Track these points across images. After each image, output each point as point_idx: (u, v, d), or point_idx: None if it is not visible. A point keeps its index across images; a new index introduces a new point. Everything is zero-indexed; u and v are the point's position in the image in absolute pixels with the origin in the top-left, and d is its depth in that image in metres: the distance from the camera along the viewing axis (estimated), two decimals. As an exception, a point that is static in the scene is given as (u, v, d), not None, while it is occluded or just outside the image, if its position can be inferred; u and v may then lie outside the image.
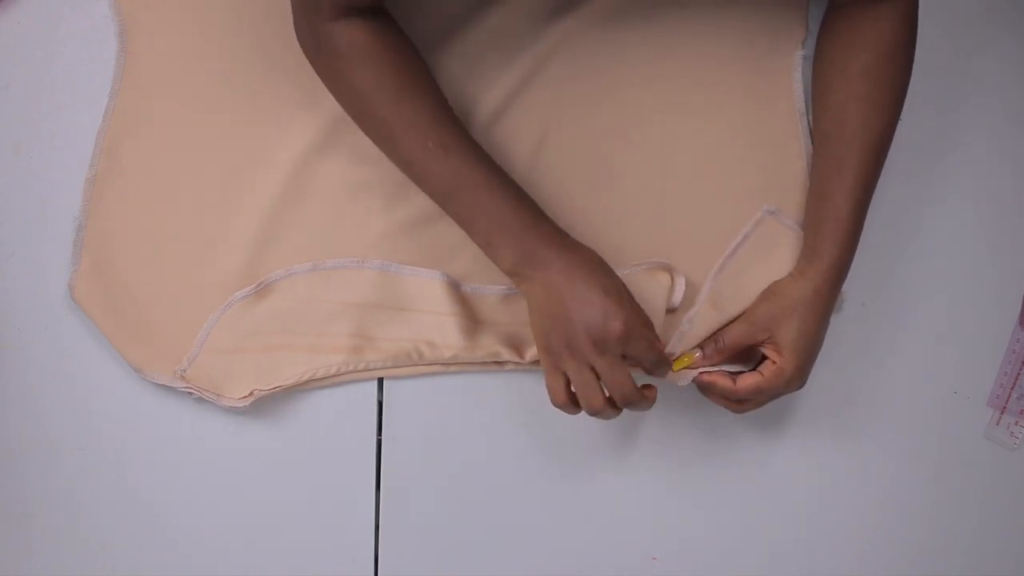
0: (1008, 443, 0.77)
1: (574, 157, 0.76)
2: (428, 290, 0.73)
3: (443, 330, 0.72)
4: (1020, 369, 0.77)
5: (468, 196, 0.66)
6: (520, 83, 0.75)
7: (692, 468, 0.75)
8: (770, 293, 0.70)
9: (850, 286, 0.77)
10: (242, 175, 0.74)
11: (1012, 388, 0.77)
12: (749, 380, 0.67)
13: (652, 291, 0.73)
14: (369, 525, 0.74)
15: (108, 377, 0.73)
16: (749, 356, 0.71)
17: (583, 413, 0.66)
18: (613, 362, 0.63)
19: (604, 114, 0.76)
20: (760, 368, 0.68)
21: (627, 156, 0.76)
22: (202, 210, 0.74)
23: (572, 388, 0.66)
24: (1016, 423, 0.77)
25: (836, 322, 0.70)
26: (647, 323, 0.66)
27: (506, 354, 0.73)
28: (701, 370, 0.69)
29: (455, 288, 0.74)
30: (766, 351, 0.69)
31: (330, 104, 0.70)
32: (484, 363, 0.74)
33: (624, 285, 0.66)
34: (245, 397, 0.71)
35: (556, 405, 0.66)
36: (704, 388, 0.70)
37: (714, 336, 0.70)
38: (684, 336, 0.70)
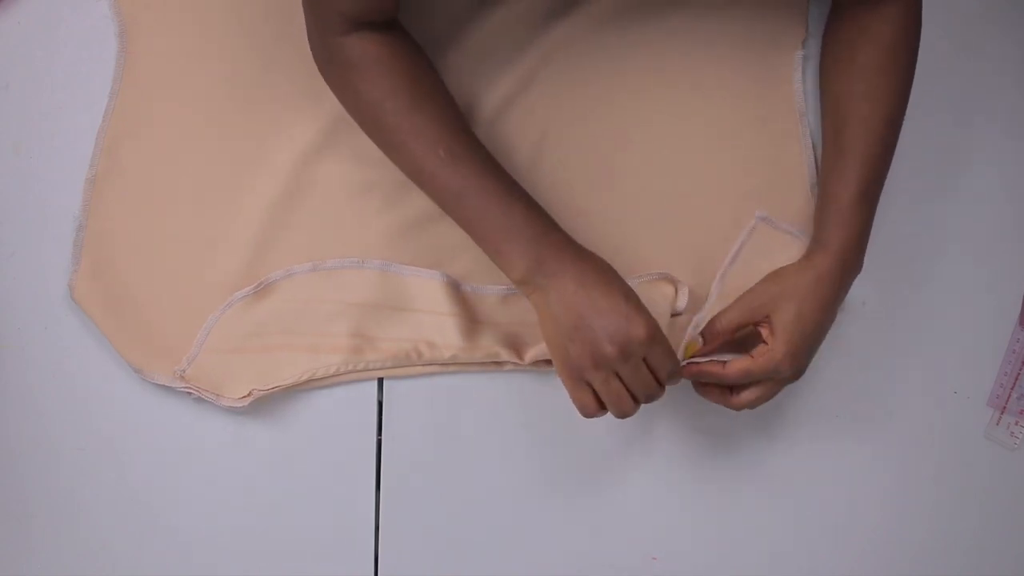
0: (1008, 443, 0.77)
1: (574, 158, 0.76)
2: (428, 290, 0.73)
3: (443, 330, 0.73)
4: (1020, 369, 0.77)
5: (478, 204, 0.66)
6: (520, 85, 0.75)
7: (692, 468, 0.75)
8: (773, 276, 0.70)
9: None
10: (242, 175, 0.74)
11: (1012, 388, 0.77)
12: (739, 364, 0.66)
13: (656, 300, 0.73)
14: (369, 525, 0.74)
15: (108, 377, 0.73)
16: (749, 347, 0.70)
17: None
18: (637, 366, 0.63)
19: (604, 115, 0.76)
20: (752, 352, 0.67)
21: (627, 157, 0.76)
22: (202, 210, 0.74)
23: (600, 395, 0.65)
24: (1016, 423, 0.77)
25: (836, 322, 0.70)
26: (666, 338, 0.66)
27: (505, 354, 0.73)
28: (690, 360, 0.69)
29: (455, 288, 0.74)
30: (762, 332, 0.68)
31: (331, 105, 0.70)
32: (483, 363, 0.74)
33: (636, 295, 0.66)
34: (244, 397, 0.71)
35: (587, 416, 0.66)
36: (698, 384, 0.69)
37: (713, 318, 0.70)
38: (690, 345, 0.70)
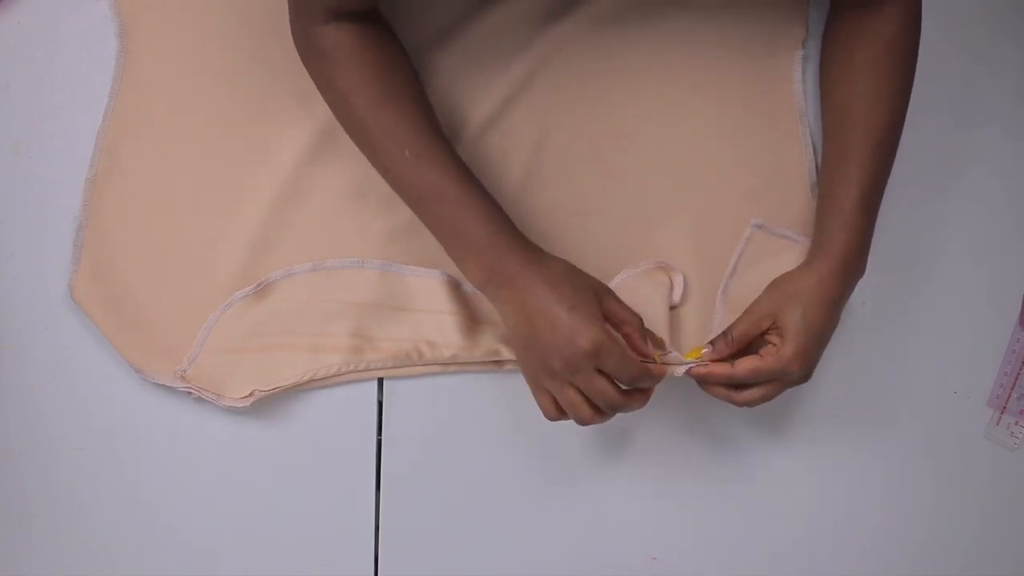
0: (1008, 443, 0.77)
1: (573, 159, 0.76)
2: (428, 290, 0.73)
3: (443, 329, 0.73)
4: (1020, 369, 0.77)
5: (438, 208, 0.66)
6: (520, 84, 0.75)
7: (692, 468, 0.75)
8: (776, 282, 0.70)
9: (850, 286, 0.77)
10: (242, 175, 0.74)
11: (1012, 388, 0.77)
12: (747, 363, 0.66)
13: (651, 291, 0.73)
14: (369, 525, 0.74)
15: (108, 377, 0.73)
16: (755, 350, 0.70)
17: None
18: (590, 377, 0.63)
19: (604, 115, 0.76)
20: (760, 351, 0.67)
21: (627, 157, 0.76)
22: (202, 210, 0.74)
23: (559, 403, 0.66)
24: (1016, 423, 0.77)
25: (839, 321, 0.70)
26: (632, 320, 0.66)
27: (506, 352, 0.73)
28: (697, 362, 0.68)
29: (455, 287, 0.74)
30: (769, 337, 0.68)
31: (331, 104, 0.70)
32: (483, 363, 0.74)
33: (600, 291, 0.66)
34: (245, 397, 0.71)
35: (550, 419, 0.67)
36: (702, 379, 0.69)
37: (724, 331, 0.69)
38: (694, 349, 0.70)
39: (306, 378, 0.72)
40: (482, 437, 0.74)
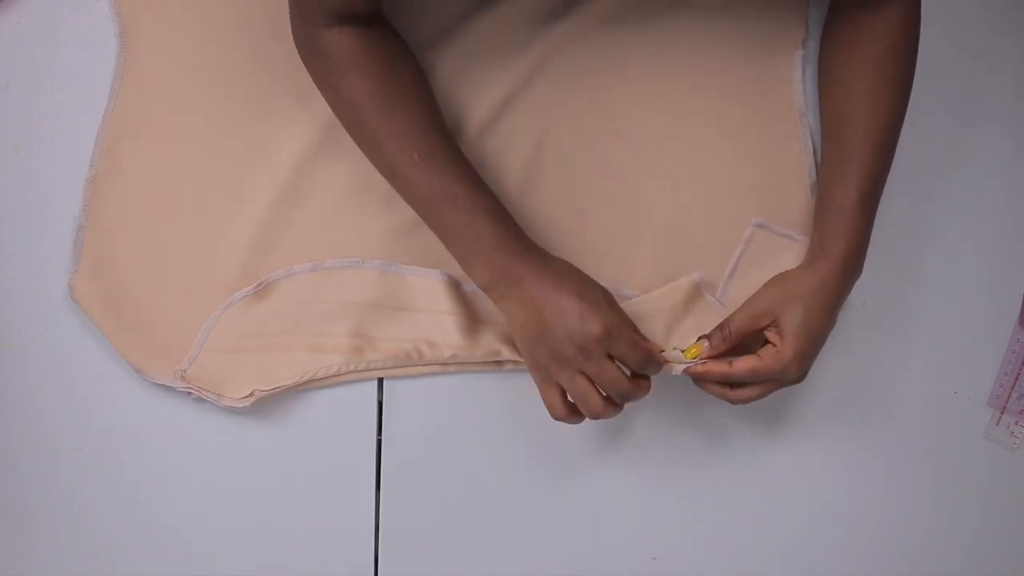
0: (1008, 443, 0.77)
1: (574, 158, 0.76)
2: (428, 289, 0.73)
3: (443, 329, 0.73)
4: (1020, 369, 0.77)
5: (445, 211, 0.66)
6: (520, 84, 0.75)
7: (692, 468, 0.75)
8: (777, 280, 0.70)
9: (850, 286, 0.77)
10: (242, 175, 0.74)
11: (1012, 388, 0.77)
12: (746, 362, 0.66)
13: (665, 298, 0.73)
14: (369, 525, 0.74)
15: (108, 377, 0.73)
16: (751, 349, 0.70)
17: (587, 420, 0.66)
18: (601, 363, 0.64)
19: (604, 115, 0.76)
20: (759, 351, 0.67)
21: (627, 157, 0.76)
22: (202, 210, 0.74)
23: (569, 397, 0.66)
24: (1016, 423, 0.77)
25: (837, 322, 0.70)
26: (629, 323, 0.66)
27: (506, 352, 0.73)
28: (696, 360, 0.68)
29: (455, 287, 0.74)
30: (768, 335, 0.68)
31: (330, 104, 0.70)
32: (484, 363, 0.74)
33: (603, 290, 0.66)
34: (246, 397, 0.71)
35: (556, 418, 0.67)
36: (699, 377, 0.69)
37: (720, 324, 0.70)
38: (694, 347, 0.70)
39: (306, 378, 0.72)
40: (482, 437, 0.74)
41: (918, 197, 0.78)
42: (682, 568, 0.75)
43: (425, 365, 0.73)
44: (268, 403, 0.72)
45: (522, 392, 0.74)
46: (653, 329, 0.73)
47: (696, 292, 0.74)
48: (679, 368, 0.68)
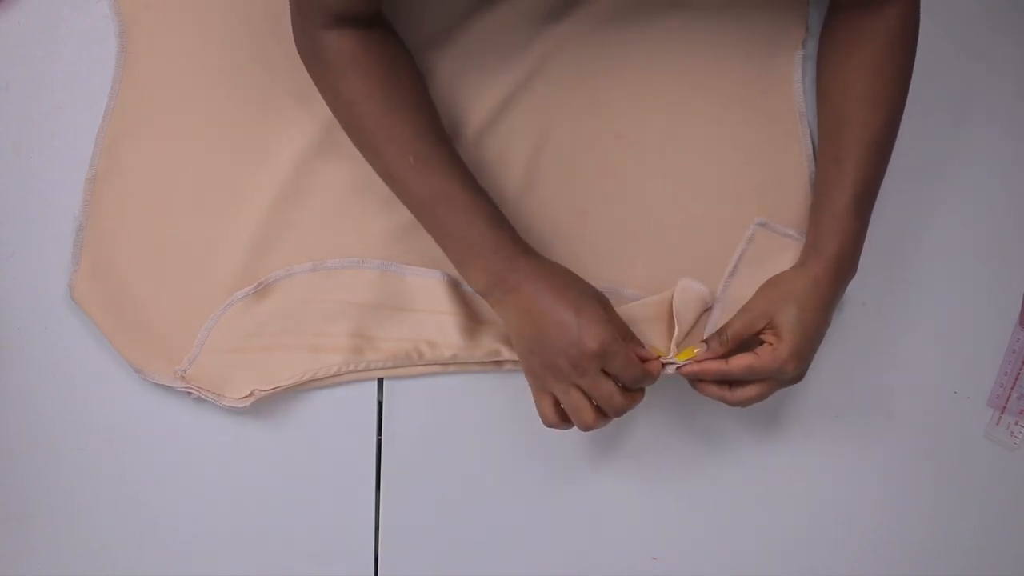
0: (1008, 443, 0.77)
1: (574, 159, 0.76)
2: (428, 290, 0.73)
3: (443, 329, 0.73)
4: (1020, 369, 0.77)
5: (443, 213, 0.67)
6: (519, 86, 0.75)
7: (692, 468, 0.75)
8: (770, 282, 0.70)
9: (850, 286, 0.77)
10: (242, 175, 0.74)
11: (1012, 388, 0.77)
12: (743, 359, 0.66)
13: (665, 302, 0.73)
14: (369, 525, 0.74)
15: (108, 377, 0.73)
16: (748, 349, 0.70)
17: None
18: (596, 379, 0.64)
19: (604, 115, 0.76)
20: (756, 349, 0.67)
21: (628, 157, 0.76)
22: (202, 210, 0.74)
23: (562, 406, 0.66)
24: (1016, 423, 0.77)
25: (836, 322, 0.70)
26: (627, 334, 0.66)
27: (506, 352, 0.73)
28: (692, 360, 0.68)
29: (455, 287, 0.74)
30: (765, 336, 0.68)
31: (330, 104, 0.70)
32: (484, 363, 0.74)
33: (600, 299, 0.66)
34: (245, 397, 0.71)
35: (548, 425, 0.67)
36: (695, 375, 0.68)
37: (718, 330, 0.70)
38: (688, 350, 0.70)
39: (306, 378, 0.72)
40: (482, 437, 0.74)
41: (918, 197, 0.78)
42: (682, 568, 0.75)
43: (425, 365, 0.73)
44: (268, 403, 0.72)
45: (522, 392, 0.74)
46: (652, 333, 0.73)
47: (697, 296, 0.74)
48: (672, 368, 0.68)
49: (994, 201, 0.78)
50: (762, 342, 0.68)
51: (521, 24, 0.75)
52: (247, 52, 0.74)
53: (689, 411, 0.75)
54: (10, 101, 0.74)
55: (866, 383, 0.77)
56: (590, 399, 0.65)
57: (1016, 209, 0.78)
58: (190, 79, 0.75)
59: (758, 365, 0.66)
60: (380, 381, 0.74)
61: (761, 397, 0.68)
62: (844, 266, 0.69)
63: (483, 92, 0.75)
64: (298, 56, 0.69)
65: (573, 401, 0.65)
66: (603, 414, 0.65)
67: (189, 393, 0.71)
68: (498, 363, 0.74)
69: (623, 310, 0.71)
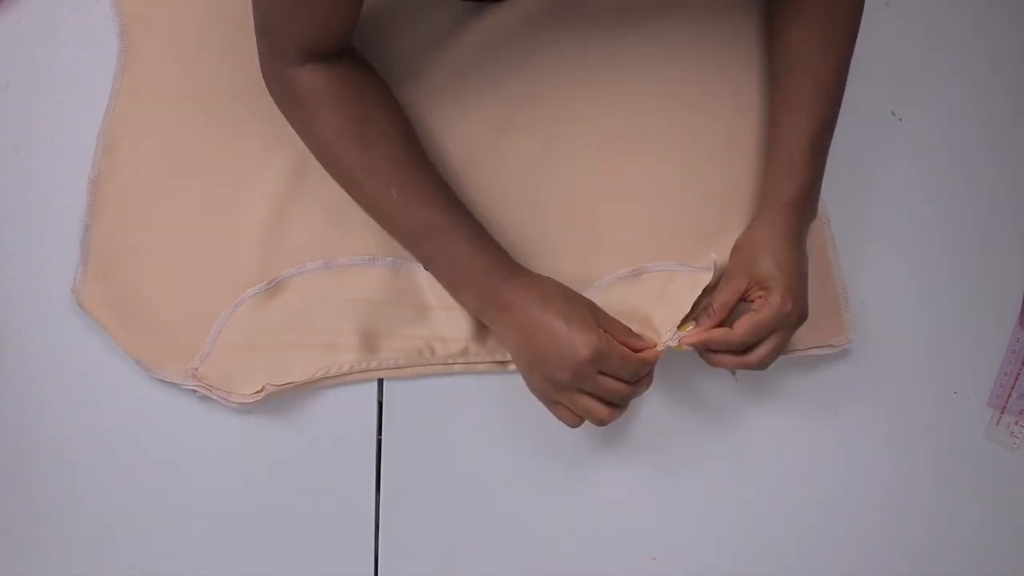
0: (1008, 443, 0.77)
1: (578, 163, 0.76)
2: (438, 286, 0.73)
3: (454, 325, 0.73)
4: (1020, 369, 0.77)
5: (430, 243, 0.67)
6: (522, 88, 0.75)
7: (692, 468, 0.75)
8: (736, 246, 0.70)
9: (850, 286, 0.77)
10: (247, 173, 0.74)
11: (1012, 388, 0.77)
12: (745, 322, 0.66)
13: (637, 298, 0.73)
14: (369, 525, 0.74)
15: (109, 377, 0.73)
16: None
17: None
18: (596, 381, 0.64)
19: (606, 117, 0.76)
20: (753, 307, 0.67)
21: (627, 157, 0.76)
22: (208, 209, 0.73)
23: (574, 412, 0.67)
24: (1016, 423, 0.77)
25: (836, 322, 0.70)
26: (620, 329, 0.67)
27: None
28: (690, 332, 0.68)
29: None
30: (752, 294, 0.68)
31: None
32: (488, 363, 0.74)
33: (589, 306, 0.66)
34: (256, 392, 0.71)
35: (572, 427, 0.68)
36: (702, 345, 0.68)
37: (704, 306, 0.69)
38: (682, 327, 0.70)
39: (318, 376, 0.72)
40: (482, 437, 0.74)
41: (918, 197, 0.78)
42: (682, 568, 0.75)
43: (435, 364, 0.73)
44: (268, 403, 0.72)
45: (522, 392, 0.74)
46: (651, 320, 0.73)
47: (693, 281, 0.73)
48: (675, 340, 0.68)
49: (994, 201, 0.78)
50: (752, 302, 0.68)
51: (527, 28, 0.75)
52: (248, 50, 0.74)
53: (689, 411, 0.75)
54: (10, 101, 0.74)
55: (866, 383, 0.77)
56: (599, 398, 0.65)
57: (1016, 209, 0.78)
58: (190, 78, 0.75)
59: (761, 320, 0.66)
60: (380, 381, 0.74)
61: (778, 350, 0.67)
62: (802, 209, 0.69)
63: (485, 94, 0.75)
64: None
65: (582, 405, 0.65)
66: (616, 406, 0.66)
67: (194, 392, 0.71)
68: (502, 363, 0.74)
69: (623, 298, 0.71)
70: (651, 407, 0.74)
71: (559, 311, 0.65)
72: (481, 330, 0.73)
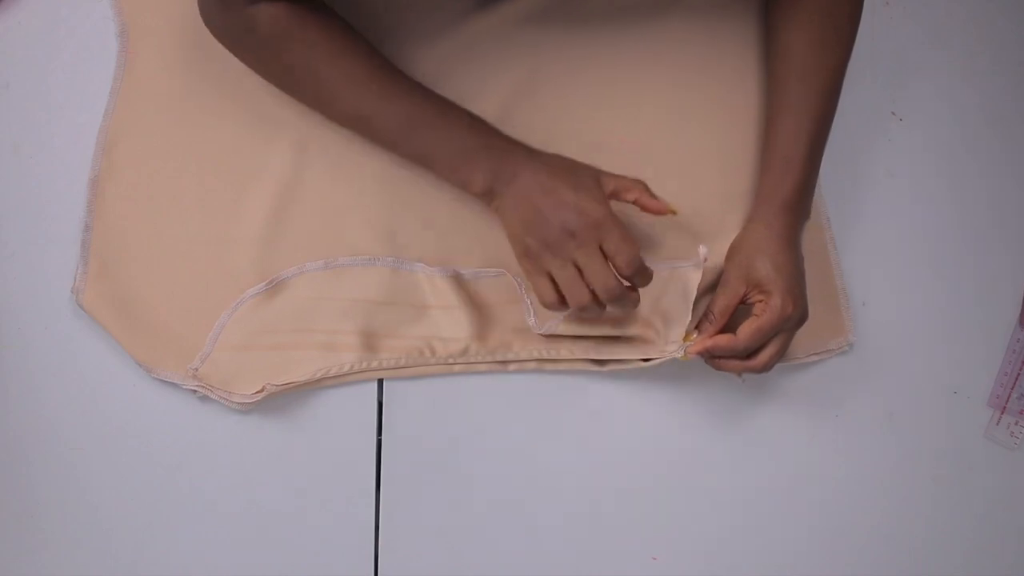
0: (1008, 443, 0.77)
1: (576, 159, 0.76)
2: (439, 286, 0.73)
3: (455, 324, 0.73)
4: (1020, 369, 0.77)
5: (424, 132, 0.67)
6: (522, 87, 0.75)
7: (692, 468, 0.75)
8: (732, 250, 0.71)
9: (850, 286, 0.77)
10: (247, 173, 0.74)
11: (1012, 388, 0.77)
12: (747, 327, 0.67)
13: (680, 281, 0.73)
14: (369, 525, 0.74)
15: (109, 377, 0.73)
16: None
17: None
18: (592, 253, 0.64)
19: (601, 119, 0.76)
20: (754, 312, 0.68)
21: (626, 157, 0.76)
22: (208, 209, 0.73)
23: (558, 285, 0.66)
24: (1016, 423, 0.77)
25: (836, 322, 0.70)
26: (631, 185, 0.67)
27: (517, 345, 0.73)
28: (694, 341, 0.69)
29: (466, 285, 0.74)
30: (752, 298, 0.68)
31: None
32: (489, 363, 0.74)
33: (597, 180, 0.66)
34: (257, 392, 0.71)
35: (546, 305, 0.67)
36: (708, 352, 0.68)
37: (704, 312, 0.70)
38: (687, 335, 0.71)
39: (319, 376, 0.72)
40: (482, 437, 0.74)
41: (918, 197, 0.78)
42: (682, 568, 0.75)
43: (435, 364, 0.73)
44: (268, 403, 0.72)
45: (522, 392, 0.74)
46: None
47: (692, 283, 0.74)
48: (681, 351, 0.68)
49: (994, 201, 0.78)
50: (752, 306, 0.68)
51: (529, 24, 0.75)
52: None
53: (689, 412, 0.75)
54: (10, 101, 0.74)
55: (866, 383, 0.77)
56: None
57: (1016, 209, 0.78)
58: (190, 78, 0.75)
59: (764, 325, 0.66)
60: (380, 381, 0.74)
61: (781, 352, 0.68)
62: (797, 210, 0.70)
63: (485, 93, 0.75)
64: None
65: (569, 276, 0.65)
66: (596, 298, 0.65)
67: (194, 392, 0.71)
68: (502, 363, 0.74)
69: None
70: (651, 407, 0.74)
71: (567, 180, 0.65)
72: (481, 327, 0.73)
